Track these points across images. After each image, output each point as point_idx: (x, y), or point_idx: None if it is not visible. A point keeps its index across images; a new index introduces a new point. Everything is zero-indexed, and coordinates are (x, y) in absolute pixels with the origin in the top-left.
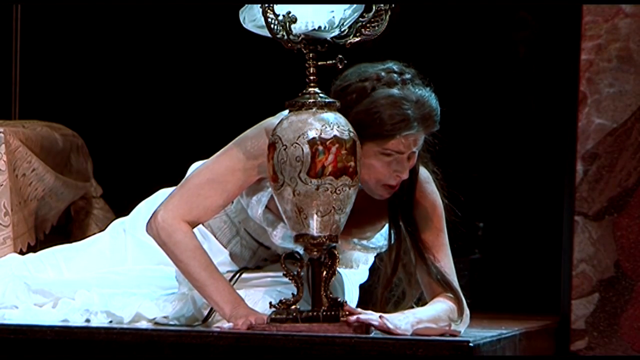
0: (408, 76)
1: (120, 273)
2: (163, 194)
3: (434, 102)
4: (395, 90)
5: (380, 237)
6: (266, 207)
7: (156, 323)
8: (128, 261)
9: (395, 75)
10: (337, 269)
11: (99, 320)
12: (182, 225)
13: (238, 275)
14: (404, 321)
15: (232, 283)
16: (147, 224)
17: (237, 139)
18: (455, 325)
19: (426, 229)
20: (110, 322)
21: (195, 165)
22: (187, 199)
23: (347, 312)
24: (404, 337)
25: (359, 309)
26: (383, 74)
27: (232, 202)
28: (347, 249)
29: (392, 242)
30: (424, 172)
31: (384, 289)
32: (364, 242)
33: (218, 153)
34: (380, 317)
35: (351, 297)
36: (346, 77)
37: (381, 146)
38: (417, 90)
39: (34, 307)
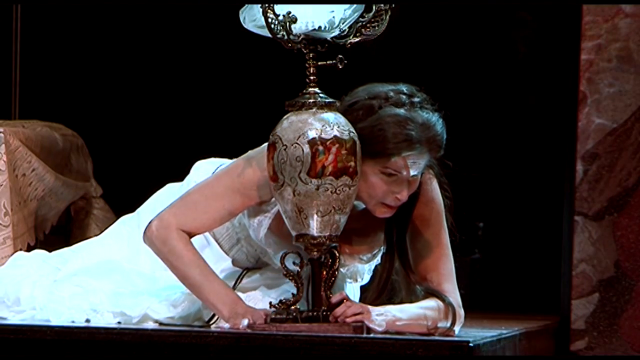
0: (417, 99)
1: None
2: (169, 188)
3: (439, 128)
4: (402, 111)
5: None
6: (268, 228)
7: (161, 324)
8: (141, 255)
9: (404, 96)
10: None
11: (106, 320)
12: (177, 232)
13: (242, 275)
14: (381, 317)
15: (236, 284)
16: (143, 234)
17: (241, 158)
18: (449, 330)
19: (424, 229)
20: (119, 322)
21: (198, 165)
22: (184, 212)
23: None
24: (403, 337)
25: (345, 298)
26: (392, 94)
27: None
28: (352, 262)
29: (385, 256)
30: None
31: (371, 303)
32: (369, 254)
33: (220, 170)
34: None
35: (353, 298)
36: (356, 94)
37: (382, 164)
38: (424, 113)
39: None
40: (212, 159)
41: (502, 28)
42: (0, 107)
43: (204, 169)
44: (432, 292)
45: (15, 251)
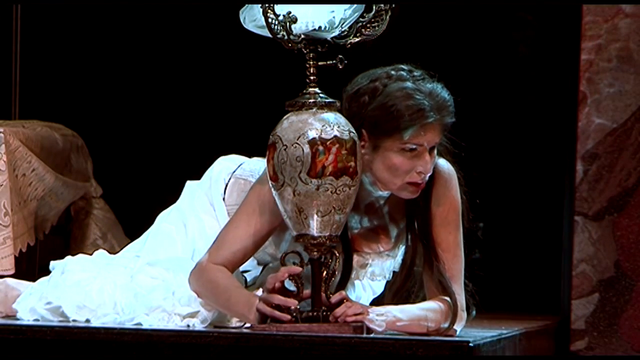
0: (417, 73)
1: None
2: (189, 185)
3: (446, 94)
4: (408, 84)
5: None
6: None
7: (215, 326)
8: (195, 254)
9: (404, 72)
10: (367, 280)
11: (175, 322)
12: (210, 266)
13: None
14: (381, 317)
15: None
16: (188, 282)
17: (253, 185)
18: (448, 328)
19: (438, 227)
20: (188, 325)
21: (220, 160)
22: (215, 248)
23: (330, 295)
24: (403, 337)
25: (345, 298)
26: (392, 72)
27: None
28: (380, 260)
29: (409, 248)
30: (448, 168)
31: (394, 294)
32: (395, 250)
33: (243, 201)
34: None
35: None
36: (356, 82)
37: (400, 140)
38: (427, 84)
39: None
40: (233, 156)
41: (502, 28)
42: (0, 107)
43: (225, 166)
44: (443, 287)
45: (15, 251)
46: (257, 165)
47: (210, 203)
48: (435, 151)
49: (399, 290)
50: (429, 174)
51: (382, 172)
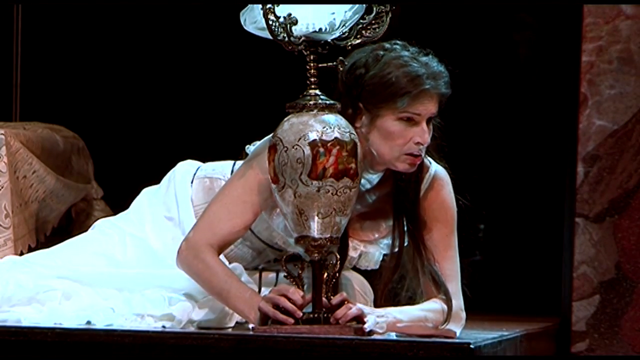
0: (412, 48)
1: (123, 274)
2: (146, 192)
3: (442, 67)
4: (404, 53)
5: None
6: None
7: (201, 327)
8: (141, 259)
9: (398, 47)
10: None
11: (147, 323)
12: (206, 247)
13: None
14: (381, 319)
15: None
16: (177, 259)
17: (248, 158)
18: (444, 326)
19: (434, 230)
20: (163, 327)
21: (179, 165)
22: (208, 225)
23: (331, 298)
24: (404, 338)
25: (346, 300)
26: (388, 45)
27: None
28: (372, 250)
29: (396, 238)
30: (443, 173)
31: (384, 285)
32: (386, 240)
33: (232, 176)
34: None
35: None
36: (352, 57)
37: (397, 109)
38: (423, 57)
39: (57, 306)
40: (189, 161)
41: (503, 30)
42: (1, 108)
43: (185, 169)
44: (436, 280)
45: (16, 253)
46: (215, 165)
47: (169, 208)
48: (432, 125)
49: (389, 280)
50: (426, 145)
51: (379, 143)
